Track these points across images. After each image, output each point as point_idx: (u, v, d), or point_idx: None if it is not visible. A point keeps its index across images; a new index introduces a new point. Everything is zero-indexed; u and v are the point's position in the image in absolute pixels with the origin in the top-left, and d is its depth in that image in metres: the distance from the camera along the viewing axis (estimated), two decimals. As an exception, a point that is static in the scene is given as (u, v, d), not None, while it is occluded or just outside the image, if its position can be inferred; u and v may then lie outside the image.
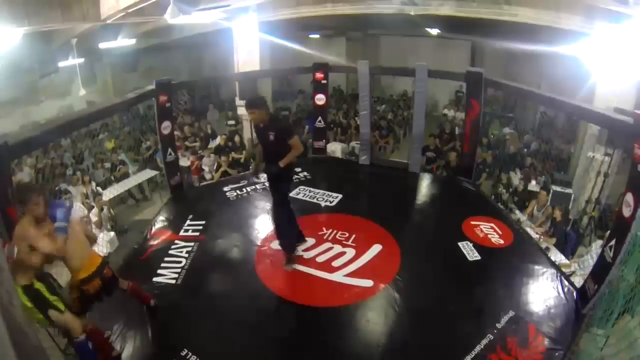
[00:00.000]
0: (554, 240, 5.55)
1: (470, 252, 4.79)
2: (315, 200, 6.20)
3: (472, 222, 5.34)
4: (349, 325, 3.99)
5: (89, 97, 13.01)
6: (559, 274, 4.49)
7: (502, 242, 5.00)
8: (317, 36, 14.74)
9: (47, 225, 3.12)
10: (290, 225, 4.83)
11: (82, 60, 11.55)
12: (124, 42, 11.28)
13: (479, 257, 4.72)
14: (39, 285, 3.18)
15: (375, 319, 4.05)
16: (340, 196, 6.22)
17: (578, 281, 4.45)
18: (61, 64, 11.95)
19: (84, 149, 12.04)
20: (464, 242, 4.95)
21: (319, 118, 7.77)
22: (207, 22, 9.21)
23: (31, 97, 13.37)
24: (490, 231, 5.20)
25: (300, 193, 6.43)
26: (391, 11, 8.14)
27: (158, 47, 13.34)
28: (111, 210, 7.95)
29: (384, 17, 8.56)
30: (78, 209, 6.85)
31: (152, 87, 6.23)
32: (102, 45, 11.32)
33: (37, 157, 11.25)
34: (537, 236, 5.55)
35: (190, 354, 3.72)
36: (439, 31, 10.44)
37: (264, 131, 4.42)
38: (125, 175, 9.96)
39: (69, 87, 13.66)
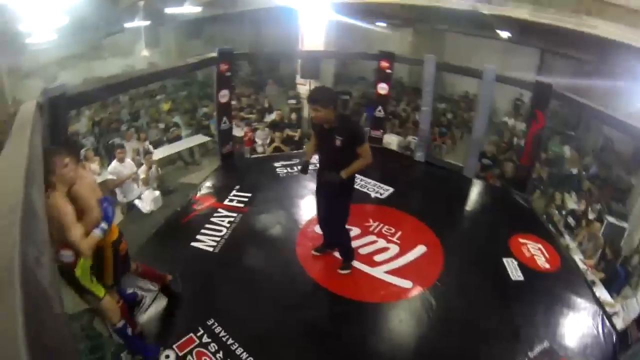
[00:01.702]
0: (602, 275, 5.29)
1: (514, 271, 4.56)
2: (365, 190, 6.07)
3: (520, 240, 5.09)
4: (380, 323, 3.91)
5: (151, 59, 13.36)
6: (601, 312, 4.19)
7: (548, 266, 4.73)
8: (384, 24, 14.50)
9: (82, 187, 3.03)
10: (347, 235, 4.47)
11: (147, 22, 11.80)
12: (189, 9, 11.48)
13: (522, 278, 4.47)
14: (80, 266, 3.07)
15: (407, 322, 3.94)
16: (391, 189, 6.08)
17: (620, 324, 4.20)
18: (127, 24, 12.24)
19: (141, 108, 12.33)
20: (509, 259, 4.72)
21: (379, 107, 7.60)
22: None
23: (95, 54, 13.81)
24: (537, 252, 4.93)
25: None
26: (464, 7, 7.91)
27: (222, 17, 13.49)
28: (159, 170, 8.10)
29: (456, 12, 8.31)
30: (129, 164, 7.04)
31: (214, 54, 6.25)
32: (169, 10, 11.54)
33: (95, 110, 11.64)
34: (585, 267, 5.28)
35: (216, 324, 3.72)
36: (509, 35, 10.08)
37: (329, 134, 3.74)
38: (178, 138, 10.15)
39: (133, 47, 14.08)
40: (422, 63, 6.88)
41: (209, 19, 13.90)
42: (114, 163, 6.91)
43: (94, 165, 8.22)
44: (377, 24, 14.26)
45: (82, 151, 8.72)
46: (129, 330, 3.38)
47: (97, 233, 2.91)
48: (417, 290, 4.20)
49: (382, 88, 7.49)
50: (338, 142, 3.68)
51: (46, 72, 12.69)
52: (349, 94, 13.26)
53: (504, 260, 4.72)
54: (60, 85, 3.63)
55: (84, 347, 3.53)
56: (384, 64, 7.28)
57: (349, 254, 4.45)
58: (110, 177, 6.80)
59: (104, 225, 2.97)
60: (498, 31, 9.88)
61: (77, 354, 1.49)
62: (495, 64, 6.26)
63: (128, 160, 7.13)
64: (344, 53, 9.45)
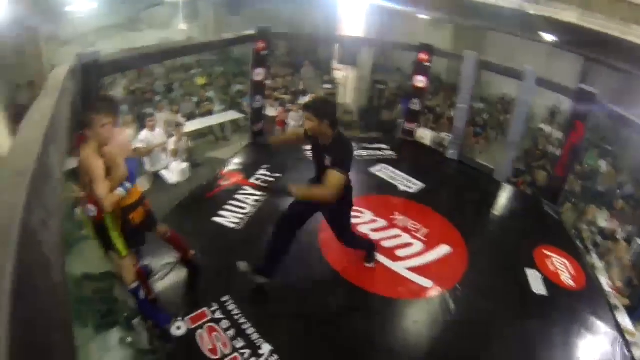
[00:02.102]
0: (626, 301, 5.08)
1: (535, 283, 4.39)
2: (394, 182, 6.00)
3: (546, 252, 4.91)
4: (395, 319, 3.84)
5: (189, 33, 13.43)
6: (620, 340, 4.02)
7: (572, 284, 4.54)
8: (425, 17, 14.23)
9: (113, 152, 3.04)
10: (359, 240, 4.33)
11: None
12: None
13: (543, 292, 4.31)
14: (109, 219, 3.13)
15: (423, 322, 3.87)
16: (420, 185, 5.98)
17: (639, 355, 4.03)
18: None
19: (175, 81, 12.43)
20: (532, 271, 4.55)
21: (416, 100, 7.49)
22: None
23: (133, 25, 14.00)
24: (562, 268, 4.74)
25: (381, 171, 6.27)
26: (510, 5, 7.70)
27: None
28: (189, 142, 8.14)
29: (500, 9, 8.08)
30: (159, 134, 7.08)
31: (252, 32, 6.23)
32: None
33: (131, 79, 11.80)
34: (610, 290, 5.09)
35: (230, 301, 3.74)
36: (554, 38, 9.76)
37: (321, 151, 3.51)
38: (210, 112, 10.20)
39: (171, 20, 14.18)
40: (461, 59, 6.75)
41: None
42: (145, 131, 6.95)
43: (130, 131, 8.30)
44: (418, 15, 14.05)
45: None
46: (142, 293, 3.43)
47: (120, 191, 3.05)
48: (436, 291, 4.12)
49: (420, 81, 7.37)
50: (327, 162, 3.40)
51: (84, 41, 12.92)
52: (385, 84, 13.10)
53: (527, 271, 4.57)
54: (93, 52, 3.68)
55: (97, 310, 3.59)
56: (423, 56, 7.17)
57: (371, 251, 4.38)
58: (140, 144, 6.86)
59: (128, 185, 3.09)
60: (542, 34, 9.58)
61: (70, 324, 1.47)
62: (537, 67, 6.08)
63: (158, 129, 7.17)
64: (384, 42, 9.32)
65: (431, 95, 12.08)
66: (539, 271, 4.57)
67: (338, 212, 3.87)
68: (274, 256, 3.92)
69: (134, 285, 3.35)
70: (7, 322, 0.75)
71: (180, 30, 12.40)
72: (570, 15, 7.06)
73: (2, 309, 0.77)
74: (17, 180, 1.31)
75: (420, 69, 7.35)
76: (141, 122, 8.94)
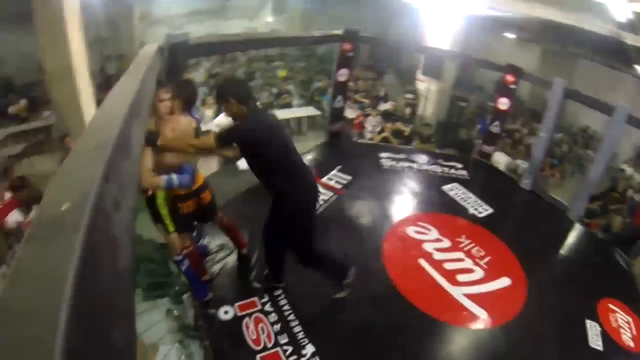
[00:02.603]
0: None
1: (594, 337, 4.08)
2: (464, 204, 5.87)
3: (610, 305, 4.54)
4: (442, 344, 3.76)
5: (274, 26, 13.73)
6: None
7: (632, 344, 4.16)
8: (512, 36, 13.83)
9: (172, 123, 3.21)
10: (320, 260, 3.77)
11: None
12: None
13: (600, 348, 4.00)
14: (160, 195, 3.29)
15: (469, 352, 3.74)
16: (490, 210, 5.81)
17: None
18: None
19: (257, 70, 12.74)
20: (592, 322, 4.23)
21: (497, 122, 7.24)
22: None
23: (222, 13, 14.47)
24: (625, 325, 4.36)
25: (452, 190, 6.17)
26: (604, 32, 7.34)
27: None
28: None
29: (593, 36, 7.72)
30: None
31: (339, 32, 6.29)
32: None
33: (214, 64, 12.21)
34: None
35: (282, 296, 3.80)
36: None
37: None
38: (288, 105, 10.38)
39: (258, 12, 14.58)
40: (549, 85, 6.45)
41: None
42: (221, 115, 7.15)
43: (209, 112, 8.62)
44: (505, 34, 13.67)
45: (201, 95, 9.19)
46: (186, 264, 3.54)
47: (161, 179, 3.12)
48: (488, 323, 3.98)
49: (503, 103, 7.10)
50: None
51: (174, 23, 13.53)
52: (466, 101, 12.86)
53: (587, 321, 4.25)
54: (183, 34, 3.80)
55: (150, 278, 3.74)
56: (510, 78, 6.90)
57: (337, 278, 3.85)
58: (215, 128, 7.08)
59: (175, 179, 3.15)
60: (637, 67, 9.07)
61: (132, 313, 1.41)
62: (626, 102, 5.77)
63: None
64: (470, 57, 9.13)
65: (510, 119, 11.74)
66: (599, 324, 4.26)
67: (270, 211, 3.55)
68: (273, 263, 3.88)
69: (178, 257, 3.50)
70: (66, 314, 0.70)
71: (267, 22, 12.69)
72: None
73: (63, 301, 0.72)
74: (95, 155, 1.25)
75: (504, 90, 7.09)
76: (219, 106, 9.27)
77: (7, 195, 6.21)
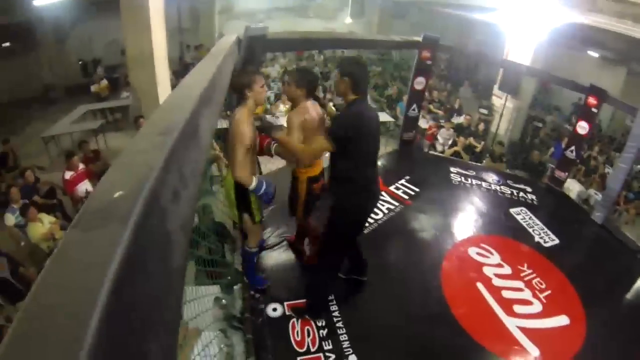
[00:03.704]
0: None
1: None
2: (531, 230, 5.60)
3: None
4: None
5: (352, 28, 13.82)
6: None
7: None
8: (595, 55, 13.16)
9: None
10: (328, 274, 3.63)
11: None
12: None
13: None
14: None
15: None
16: (556, 240, 5.50)
17: None
18: None
19: (333, 70, 12.88)
20: None
21: (572, 148, 6.80)
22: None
23: (301, 12, 14.72)
24: None
25: (520, 214, 5.93)
26: None
27: (430, 3, 13.36)
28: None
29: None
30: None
31: (418, 39, 6.22)
32: None
33: (290, 60, 12.43)
34: None
35: (334, 302, 3.80)
36: None
37: None
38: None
39: (337, 13, 14.74)
40: (635, 112, 5.93)
41: (416, 4, 13.94)
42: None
43: (283, 107, 8.78)
44: (589, 53, 13.03)
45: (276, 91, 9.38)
46: (255, 258, 3.69)
47: (252, 180, 3.13)
48: None
49: (582, 127, 6.64)
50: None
51: (253, 18, 13.96)
52: (542, 122, 12.39)
53: None
54: (262, 27, 3.82)
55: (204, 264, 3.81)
56: (592, 100, 6.44)
57: (314, 301, 3.72)
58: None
59: (263, 187, 3.17)
60: None
61: (177, 327, 1.28)
62: None
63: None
64: (551, 76, 8.77)
65: (586, 145, 11.19)
66: None
67: (333, 209, 3.29)
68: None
69: (254, 250, 3.61)
70: (98, 320, 0.64)
71: (345, 24, 12.78)
72: None
73: (100, 299, 0.67)
74: (158, 141, 1.18)
75: (585, 113, 6.65)
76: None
77: (81, 166, 6.62)
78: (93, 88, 11.27)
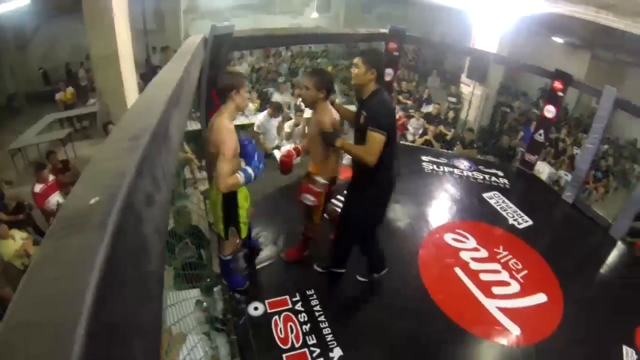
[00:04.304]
0: None
1: None
2: (504, 214, 5.73)
3: None
4: (470, 355, 3.72)
5: (319, 23, 13.83)
6: None
7: None
8: (560, 41, 13.46)
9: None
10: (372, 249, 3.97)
11: None
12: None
13: None
14: (242, 196, 3.26)
15: None
16: (530, 222, 5.64)
17: None
18: None
19: (300, 66, 12.82)
20: (629, 349, 3.99)
21: (541, 131, 6.98)
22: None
23: (267, 8, 14.70)
24: None
25: (493, 198, 6.05)
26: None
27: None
28: (305, 128, 8.35)
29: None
30: (275, 122, 7.36)
31: (385, 30, 6.28)
32: None
33: (257, 58, 12.34)
34: None
35: (314, 296, 3.81)
36: None
37: (360, 108, 3.28)
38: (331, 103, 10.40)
39: (303, 8, 14.74)
40: (599, 94, 6.17)
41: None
42: (263, 115, 7.22)
43: (252, 106, 8.74)
44: (554, 39, 13.32)
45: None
46: (233, 261, 3.68)
47: (238, 178, 2.96)
48: (520, 341, 3.83)
49: (549, 111, 6.83)
50: (362, 119, 3.18)
51: (219, 16, 13.82)
52: (510, 107, 12.62)
53: (624, 347, 4.01)
54: (228, 26, 3.79)
55: (182, 268, 3.78)
56: (558, 85, 6.63)
57: (335, 263, 4.05)
58: (256, 125, 7.18)
59: (250, 171, 3.00)
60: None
61: (158, 319, 1.29)
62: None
63: (278, 119, 7.43)
64: (518, 62, 8.91)
65: (554, 128, 11.43)
66: (637, 351, 4.02)
67: (359, 197, 3.52)
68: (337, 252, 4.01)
69: (228, 257, 3.58)
70: (83, 335, 0.63)
71: (311, 19, 12.77)
72: None
73: (83, 311, 0.66)
74: (129, 145, 1.18)
75: (551, 98, 6.83)
76: (262, 99, 9.38)
77: (51, 177, 6.47)
78: (58, 96, 10.98)
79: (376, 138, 3.04)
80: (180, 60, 2.55)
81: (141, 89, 9.02)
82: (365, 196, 3.45)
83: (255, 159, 3.06)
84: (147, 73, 11.45)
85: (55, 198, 6.37)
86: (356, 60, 3.20)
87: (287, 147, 4.12)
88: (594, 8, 7.68)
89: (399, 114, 9.50)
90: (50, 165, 6.91)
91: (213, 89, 3.64)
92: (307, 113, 8.85)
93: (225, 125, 2.95)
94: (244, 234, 3.39)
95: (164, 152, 1.41)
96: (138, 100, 1.75)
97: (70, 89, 11.17)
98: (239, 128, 6.32)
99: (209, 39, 3.52)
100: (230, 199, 3.17)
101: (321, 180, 3.47)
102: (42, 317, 0.67)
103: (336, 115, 3.47)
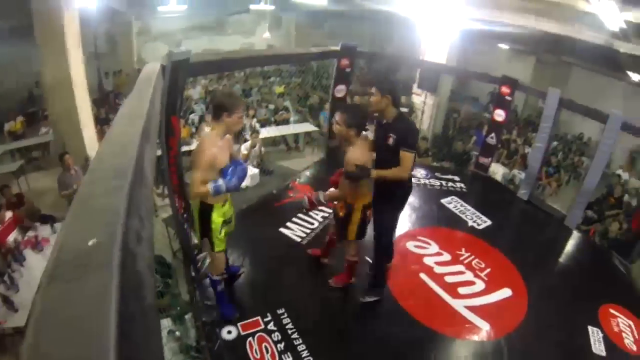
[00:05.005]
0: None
1: (597, 343, 4.10)
2: (463, 217, 5.92)
3: (611, 311, 4.57)
4: (443, 355, 3.82)
5: (271, 42, 13.96)
6: None
7: (634, 348, 4.18)
8: (506, 47, 14.02)
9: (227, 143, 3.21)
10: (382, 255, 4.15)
11: (272, 7, 12.37)
12: (315, 0, 11.82)
13: (603, 353, 4.01)
14: (217, 214, 3.27)
15: None
16: (489, 222, 5.86)
17: None
18: (252, 6, 13.02)
19: (254, 86, 12.85)
20: (594, 329, 4.25)
21: (492, 134, 7.30)
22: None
23: (219, 29, 14.74)
24: (626, 329, 4.38)
25: (451, 203, 6.24)
26: (599, 42, 7.44)
27: (346, 13, 13.74)
28: (262, 149, 8.39)
29: (587, 45, 7.83)
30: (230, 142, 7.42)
31: (336, 48, 6.35)
32: None
33: (211, 80, 12.30)
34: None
35: (285, 315, 3.82)
36: (641, 78, 9.30)
37: (384, 130, 3.54)
38: (285, 122, 10.46)
39: (255, 28, 14.86)
40: (544, 96, 6.52)
41: (332, 13, 14.23)
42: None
43: (207, 128, 8.71)
44: (500, 46, 13.86)
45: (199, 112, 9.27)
46: (220, 287, 3.61)
47: (209, 186, 3.00)
48: (491, 335, 4.00)
49: (499, 115, 7.16)
50: (391, 141, 3.46)
51: (171, 38, 13.74)
52: (457, 112, 13.01)
53: (589, 328, 4.27)
54: (185, 51, 3.79)
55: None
56: (505, 89, 6.95)
57: (378, 279, 4.20)
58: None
59: (220, 183, 3.03)
60: (630, 73, 9.17)
61: (162, 348, 1.45)
62: (620, 108, 5.82)
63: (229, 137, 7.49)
64: (466, 71, 9.25)
65: (505, 130, 11.80)
66: (602, 330, 4.29)
67: (384, 208, 3.80)
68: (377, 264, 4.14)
69: (217, 277, 3.55)
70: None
71: (263, 38, 12.88)
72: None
73: (110, 346, 0.70)
74: (114, 185, 1.21)
75: (500, 102, 7.15)
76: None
77: (8, 215, 6.22)
78: (7, 126, 10.41)
79: (410, 157, 3.41)
80: (143, 90, 2.56)
81: (95, 117, 8.84)
82: (393, 199, 3.76)
83: (229, 175, 3.07)
84: (99, 99, 11.20)
85: (13, 236, 6.17)
86: (372, 89, 3.49)
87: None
88: (534, 16, 8.06)
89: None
90: (4, 200, 6.67)
91: (172, 115, 3.69)
92: (263, 134, 8.93)
93: (210, 138, 3.07)
94: (217, 248, 3.38)
95: (143, 189, 1.42)
96: (110, 135, 1.77)
97: (20, 118, 10.60)
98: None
99: (167, 65, 3.51)
100: (203, 211, 3.23)
101: (322, 196, 3.73)
102: (71, 355, 0.70)
103: (367, 153, 3.58)
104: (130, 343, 0.80)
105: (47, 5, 6.92)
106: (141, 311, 1.03)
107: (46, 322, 0.76)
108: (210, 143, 3.03)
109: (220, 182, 3.02)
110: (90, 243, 0.94)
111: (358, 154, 3.47)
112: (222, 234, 3.35)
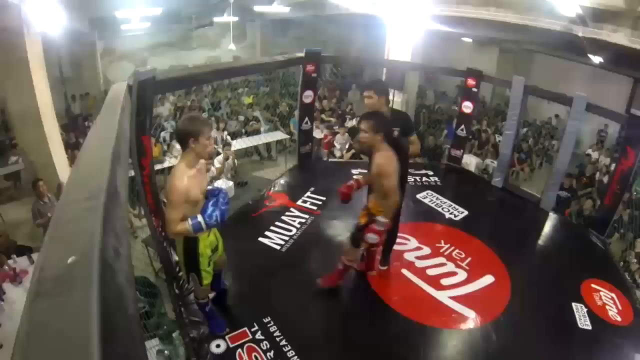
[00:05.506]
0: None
1: (582, 318, 4.20)
2: (440, 209, 5.97)
3: (593, 286, 4.69)
4: (435, 348, 3.84)
5: (237, 53, 13.98)
6: None
7: (619, 319, 4.29)
8: (469, 40, 14.24)
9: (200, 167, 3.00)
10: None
11: (236, 18, 12.38)
12: (278, 8, 11.92)
13: (589, 327, 4.11)
14: (203, 244, 3.11)
15: (462, 351, 3.80)
16: (465, 212, 5.92)
17: None
18: (216, 19, 13.10)
19: (222, 99, 12.83)
20: (578, 305, 4.35)
21: (462, 126, 7.39)
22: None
23: (184, 44, 14.72)
24: (609, 302, 4.50)
25: (427, 197, 6.28)
26: (557, 28, 7.60)
27: (310, 19, 13.78)
28: (235, 161, 8.36)
29: (547, 33, 7.98)
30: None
31: (301, 54, 6.36)
32: (258, 8, 12.07)
33: (179, 96, 12.23)
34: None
35: (272, 323, 3.80)
36: (601, 60, 9.54)
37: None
38: (256, 132, 10.44)
39: (220, 40, 14.89)
40: (509, 84, 6.63)
41: (296, 20, 14.32)
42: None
43: (178, 146, 8.63)
44: (463, 39, 14.06)
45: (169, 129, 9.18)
46: (208, 307, 3.56)
47: (188, 224, 2.85)
48: (478, 322, 4.05)
49: (467, 107, 7.25)
50: (395, 134, 3.84)
51: (137, 57, 13.63)
52: (424, 107, 13.15)
53: (573, 304, 4.37)
54: (150, 70, 3.72)
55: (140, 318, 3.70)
56: (471, 82, 7.05)
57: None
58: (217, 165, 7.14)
59: (199, 219, 2.87)
60: (590, 56, 9.41)
61: (146, 355, 1.48)
62: (585, 91, 5.95)
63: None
64: (431, 67, 9.36)
65: (475, 120, 11.98)
66: (585, 305, 4.39)
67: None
68: None
69: (204, 301, 3.50)
70: None
71: (229, 50, 12.87)
72: (620, 37, 6.92)
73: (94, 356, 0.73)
74: (89, 205, 1.25)
75: (467, 94, 7.25)
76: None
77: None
78: None
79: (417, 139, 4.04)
80: (111, 111, 2.53)
81: (65, 142, 8.68)
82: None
83: (209, 209, 2.90)
84: (68, 124, 11.01)
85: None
86: (368, 93, 3.88)
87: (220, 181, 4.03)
88: (493, 8, 8.20)
89: (324, 132, 9.67)
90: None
91: (142, 134, 3.64)
92: (235, 146, 8.89)
93: (179, 170, 2.84)
94: (205, 282, 3.26)
95: (117, 209, 1.44)
96: (81, 158, 1.81)
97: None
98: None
99: (133, 85, 3.46)
100: (189, 246, 3.07)
101: (382, 219, 3.66)
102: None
103: (394, 157, 3.60)
104: (114, 350, 0.85)
105: (8, 33, 6.75)
106: (124, 321, 1.07)
107: (34, 337, 0.80)
108: (179, 175, 2.82)
109: (199, 218, 2.86)
110: (69, 260, 0.99)
111: (387, 158, 3.54)
112: (210, 266, 3.26)
